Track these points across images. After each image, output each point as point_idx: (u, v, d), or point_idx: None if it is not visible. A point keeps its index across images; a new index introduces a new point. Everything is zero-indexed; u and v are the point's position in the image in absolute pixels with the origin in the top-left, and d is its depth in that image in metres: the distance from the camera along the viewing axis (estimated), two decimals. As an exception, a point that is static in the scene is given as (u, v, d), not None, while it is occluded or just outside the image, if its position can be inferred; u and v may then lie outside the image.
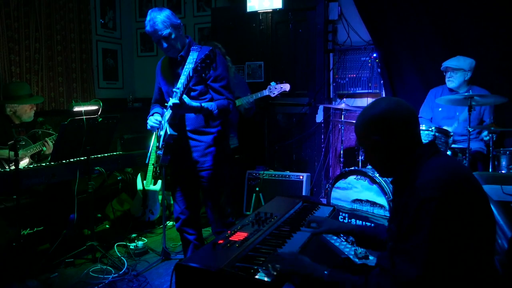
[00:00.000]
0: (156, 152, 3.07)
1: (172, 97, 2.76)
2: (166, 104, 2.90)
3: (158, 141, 3.01)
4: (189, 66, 2.79)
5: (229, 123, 3.15)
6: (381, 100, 1.63)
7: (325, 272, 1.52)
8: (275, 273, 1.53)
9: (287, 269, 1.54)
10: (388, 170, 1.64)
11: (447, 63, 3.94)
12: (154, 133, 3.27)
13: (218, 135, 2.95)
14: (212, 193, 3.01)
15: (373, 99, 5.03)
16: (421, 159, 1.51)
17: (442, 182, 1.38)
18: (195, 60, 2.79)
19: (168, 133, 2.78)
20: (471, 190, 1.42)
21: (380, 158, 1.60)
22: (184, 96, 2.64)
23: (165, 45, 2.80)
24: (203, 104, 2.75)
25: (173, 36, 2.78)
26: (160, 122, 2.97)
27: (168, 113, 2.82)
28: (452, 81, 3.94)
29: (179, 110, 2.70)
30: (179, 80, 2.80)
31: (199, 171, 2.96)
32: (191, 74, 2.54)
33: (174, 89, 2.75)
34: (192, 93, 2.83)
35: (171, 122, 2.79)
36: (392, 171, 1.62)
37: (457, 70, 3.89)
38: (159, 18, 2.73)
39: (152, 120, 2.99)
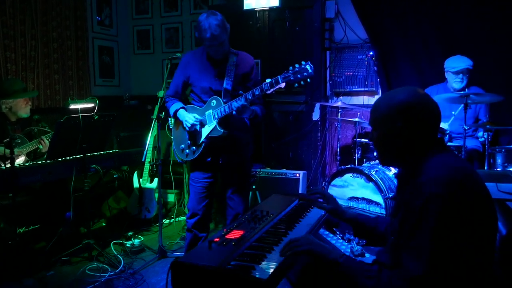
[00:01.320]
0: (187, 149, 3.12)
1: (221, 97, 2.95)
2: (207, 99, 3.05)
3: (193, 138, 3.09)
4: (231, 68, 2.98)
5: None
6: (411, 88, 1.57)
7: (342, 256, 1.52)
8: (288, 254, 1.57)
9: (305, 249, 1.56)
10: (394, 159, 1.61)
11: (463, 65, 3.86)
12: (153, 130, 3.30)
13: (251, 132, 3.20)
14: (246, 183, 3.27)
15: (370, 97, 5.05)
16: (428, 154, 1.50)
17: (447, 179, 1.37)
18: (235, 63, 3.00)
19: (221, 131, 2.95)
20: (475, 188, 1.42)
21: (392, 145, 1.57)
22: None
23: (220, 50, 2.93)
24: (253, 108, 2.98)
25: (226, 41, 2.94)
26: (199, 120, 3.04)
27: (216, 111, 2.95)
28: (463, 81, 3.92)
29: (244, 112, 2.89)
30: (225, 81, 2.97)
31: (239, 164, 3.17)
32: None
33: (223, 88, 2.96)
34: (233, 93, 3.01)
35: (221, 120, 2.96)
36: (398, 161, 1.60)
37: (469, 71, 3.88)
38: (217, 23, 2.85)
39: (192, 119, 3.02)
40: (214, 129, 2.96)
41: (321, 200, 2.07)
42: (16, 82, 3.80)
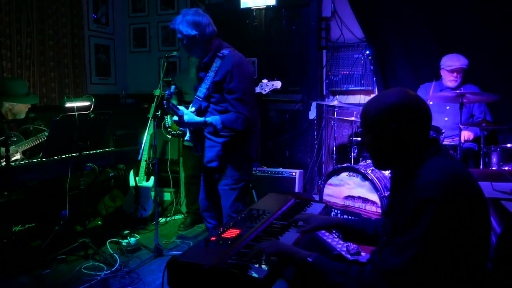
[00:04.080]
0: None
1: (191, 105, 2.94)
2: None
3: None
4: (211, 74, 2.86)
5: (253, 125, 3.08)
6: (401, 89, 1.57)
7: (311, 255, 1.54)
8: (264, 265, 1.56)
9: (272, 251, 1.56)
10: (389, 161, 1.60)
11: (458, 64, 3.87)
12: (149, 128, 3.32)
13: (235, 138, 2.91)
14: (223, 192, 3.02)
15: (366, 96, 5.06)
16: (424, 156, 1.49)
17: (443, 183, 1.37)
18: (217, 68, 2.84)
19: (187, 138, 3.06)
20: (471, 192, 1.42)
21: (385, 148, 1.55)
22: (187, 112, 2.79)
23: (180, 44, 2.95)
24: (206, 120, 2.81)
25: (184, 42, 2.88)
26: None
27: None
28: (458, 80, 3.93)
29: (180, 126, 2.88)
30: (200, 88, 2.91)
31: (213, 170, 3.02)
32: (210, 89, 2.83)
33: (196, 96, 2.93)
34: (212, 99, 2.92)
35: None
36: (392, 163, 1.59)
37: (464, 70, 3.89)
38: (178, 22, 2.85)
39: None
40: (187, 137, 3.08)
41: (301, 223, 2.03)
42: (21, 85, 3.76)
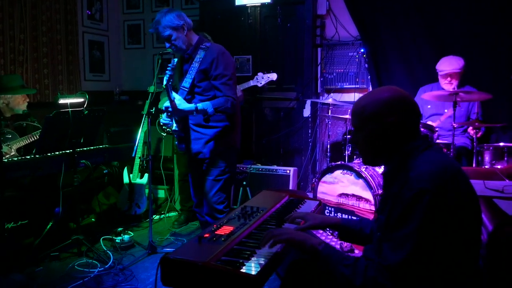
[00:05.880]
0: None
1: (178, 94, 2.99)
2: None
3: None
4: (195, 65, 2.98)
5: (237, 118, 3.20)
6: (392, 87, 1.61)
7: (321, 243, 1.56)
8: (270, 249, 1.62)
9: (284, 238, 1.61)
10: (380, 157, 1.61)
11: (450, 69, 3.87)
12: (144, 125, 3.34)
13: (222, 129, 3.06)
14: (208, 182, 3.11)
15: (360, 94, 5.07)
16: (417, 151, 1.51)
17: (436, 175, 1.39)
18: (201, 59, 2.97)
19: (174, 129, 3.11)
20: (462, 185, 1.44)
21: (380, 142, 1.56)
22: (179, 98, 2.88)
23: (167, 45, 3.02)
24: (197, 106, 2.89)
25: (173, 37, 2.97)
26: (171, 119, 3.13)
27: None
28: (453, 83, 3.93)
29: (173, 114, 2.95)
30: (185, 79, 3.02)
31: (200, 161, 3.13)
32: (196, 79, 2.89)
33: (181, 87, 3.01)
34: (196, 89, 3.02)
35: (176, 118, 3.07)
36: (384, 158, 1.60)
37: (459, 73, 3.89)
38: (161, 20, 2.94)
39: (164, 120, 3.14)
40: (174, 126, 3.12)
41: (299, 220, 2.03)
42: (15, 79, 3.77)
